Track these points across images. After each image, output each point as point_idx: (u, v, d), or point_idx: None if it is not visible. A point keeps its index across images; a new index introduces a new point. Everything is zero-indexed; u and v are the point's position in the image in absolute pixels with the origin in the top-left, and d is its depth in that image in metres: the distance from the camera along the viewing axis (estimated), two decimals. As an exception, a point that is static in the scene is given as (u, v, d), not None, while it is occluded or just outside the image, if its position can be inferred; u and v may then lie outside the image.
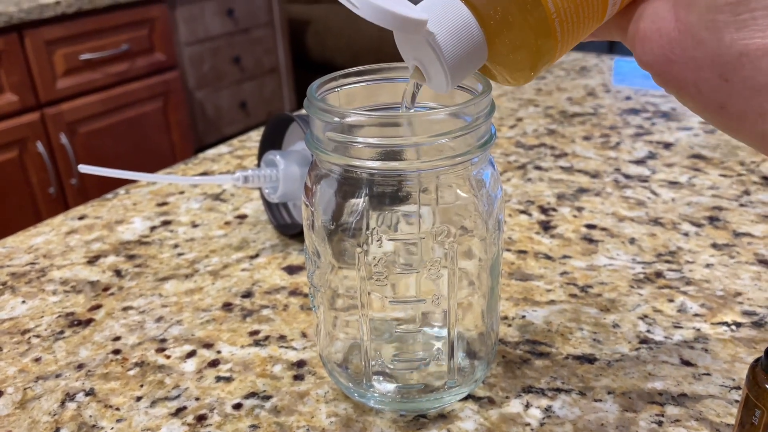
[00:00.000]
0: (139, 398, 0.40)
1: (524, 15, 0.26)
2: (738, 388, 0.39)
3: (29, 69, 1.65)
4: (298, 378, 0.41)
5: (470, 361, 0.39)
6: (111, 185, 0.72)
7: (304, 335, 0.45)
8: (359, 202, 0.32)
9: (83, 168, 0.52)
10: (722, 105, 0.25)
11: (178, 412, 0.39)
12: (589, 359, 0.42)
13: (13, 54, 1.61)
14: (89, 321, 0.48)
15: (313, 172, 0.34)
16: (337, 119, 0.30)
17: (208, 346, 0.45)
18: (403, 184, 0.32)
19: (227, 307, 0.49)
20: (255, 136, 0.82)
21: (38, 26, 1.64)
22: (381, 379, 0.37)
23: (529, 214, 0.60)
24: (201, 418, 0.38)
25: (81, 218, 0.63)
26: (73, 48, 1.73)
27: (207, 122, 2.29)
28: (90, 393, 0.41)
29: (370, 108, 0.35)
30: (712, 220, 0.57)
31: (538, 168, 0.69)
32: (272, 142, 0.58)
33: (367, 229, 0.32)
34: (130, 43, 1.85)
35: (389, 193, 0.32)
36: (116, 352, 0.44)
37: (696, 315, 0.45)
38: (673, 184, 0.64)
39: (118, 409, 0.40)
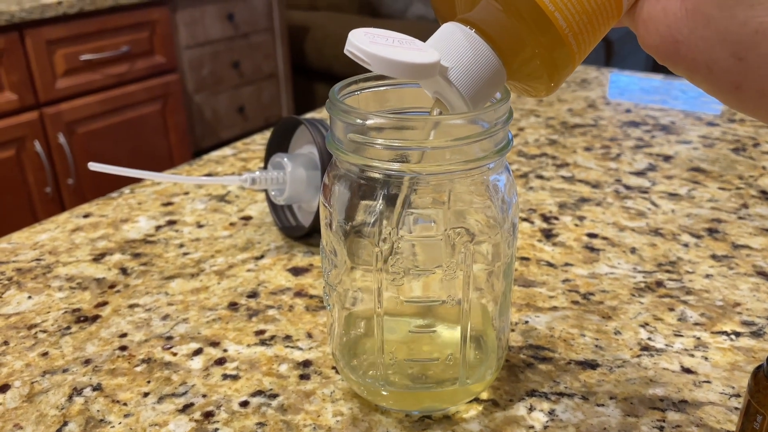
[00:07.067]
0: (146, 394, 0.41)
1: (536, 37, 0.26)
2: (737, 395, 0.40)
3: (29, 68, 1.65)
4: (304, 377, 0.42)
5: (481, 362, 0.39)
6: (109, 187, 0.72)
7: (309, 335, 0.46)
8: (376, 204, 0.32)
9: (92, 166, 0.52)
10: (737, 85, 0.24)
11: (186, 408, 0.39)
12: (592, 365, 0.42)
13: (14, 53, 1.61)
14: (95, 317, 0.48)
15: (332, 173, 0.34)
16: (359, 121, 0.31)
17: (214, 344, 0.45)
18: (420, 186, 0.32)
19: (233, 306, 0.49)
20: (259, 139, 0.82)
21: (39, 26, 1.65)
22: (393, 378, 0.38)
23: (531, 222, 0.60)
24: (208, 415, 0.39)
25: (86, 216, 0.63)
26: (74, 48, 1.73)
27: (205, 126, 2.29)
28: (97, 388, 0.41)
29: (390, 112, 0.36)
30: (711, 231, 0.58)
31: (540, 177, 0.70)
32: (279, 144, 0.59)
33: (384, 229, 0.33)
34: (131, 45, 1.86)
35: (406, 195, 0.32)
36: (123, 348, 0.45)
37: (696, 324, 0.46)
38: (673, 195, 0.65)
39: (125, 404, 0.40)
